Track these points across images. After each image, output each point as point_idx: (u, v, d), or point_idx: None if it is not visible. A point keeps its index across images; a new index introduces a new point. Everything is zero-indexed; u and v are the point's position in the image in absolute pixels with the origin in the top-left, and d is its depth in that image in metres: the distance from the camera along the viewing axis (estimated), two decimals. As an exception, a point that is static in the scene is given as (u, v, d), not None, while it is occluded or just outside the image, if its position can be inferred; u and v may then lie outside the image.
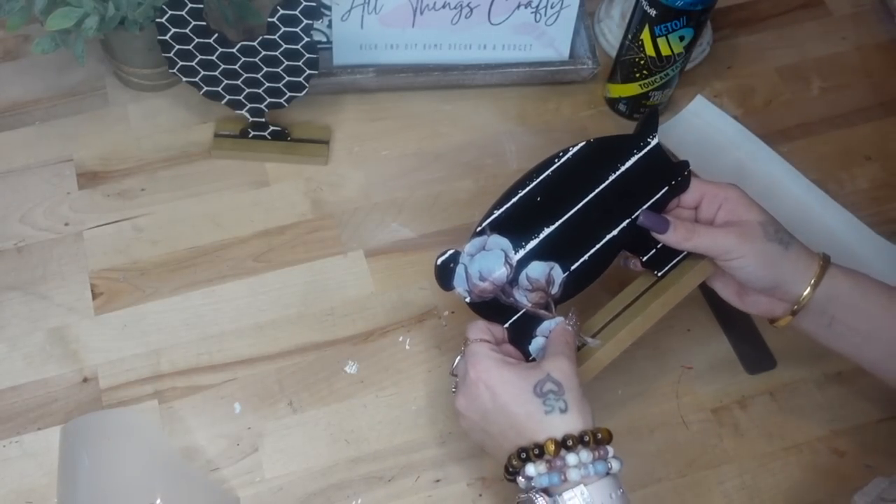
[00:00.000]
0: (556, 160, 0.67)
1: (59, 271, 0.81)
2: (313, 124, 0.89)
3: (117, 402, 0.75)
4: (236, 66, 0.80)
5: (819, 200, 0.86)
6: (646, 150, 0.67)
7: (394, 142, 0.89)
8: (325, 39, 0.88)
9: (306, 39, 0.78)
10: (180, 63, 0.80)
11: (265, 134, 0.86)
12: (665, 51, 0.83)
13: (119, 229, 0.83)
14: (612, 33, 0.94)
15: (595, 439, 0.58)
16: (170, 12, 0.76)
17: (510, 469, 0.61)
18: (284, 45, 0.78)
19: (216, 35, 0.78)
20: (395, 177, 0.87)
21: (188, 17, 0.76)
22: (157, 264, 0.82)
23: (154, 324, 0.79)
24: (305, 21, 0.77)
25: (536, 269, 0.66)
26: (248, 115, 0.84)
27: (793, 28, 0.99)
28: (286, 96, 0.83)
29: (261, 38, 0.78)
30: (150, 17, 0.78)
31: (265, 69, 0.80)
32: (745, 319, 0.80)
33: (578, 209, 0.66)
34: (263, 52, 0.79)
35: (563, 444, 0.58)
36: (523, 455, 0.59)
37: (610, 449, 0.59)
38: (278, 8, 0.76)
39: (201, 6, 0.76)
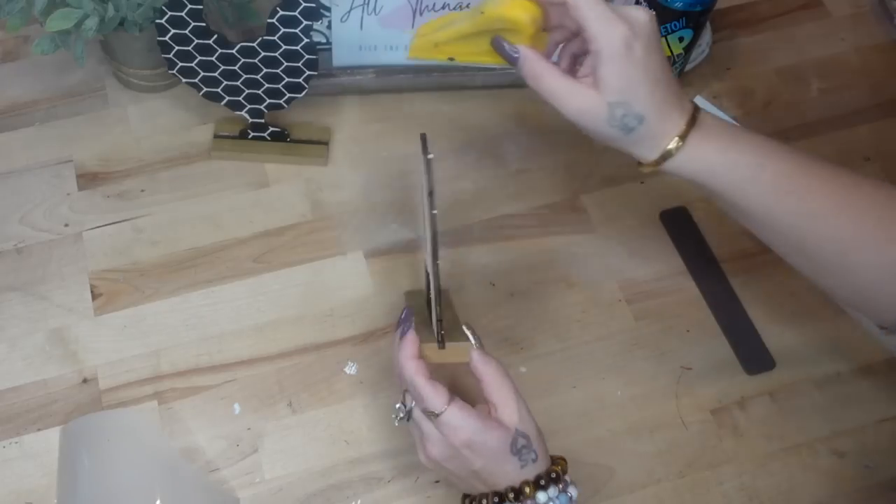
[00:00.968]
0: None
1: (59, 272, 0.81)
2: (313, 125, 0.89)
3: (117, 402, 0.75)
4: (236, 68, 0.80)
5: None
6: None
7: (393, 143, 0.89)
8: (324, 40, 0.88)
9: (306, 40, 0.78)
10: (180, 64, 0.80)
11: (265, 135, 0.87)
12: (664, 52, 0.83)
13: (119, 230, 0.83)
14: (611, 34, 0.94)
15: (559, 475, 0.62)
16: (169, 13, 0.76)
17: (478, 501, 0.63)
18: (284, 47, 0.78)
19: (216, 36, 0.78)
20: (394, 178, 0.87)
21: (188, 19, 0.76)
22: (156, 265, 0.82)
23: (154, 325, 0.79)
24: (305, 22, 0.77)
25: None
26: (247, 116, 0.85)
27: (792, 29, 0.99)
28: (286, 97, 0.83)
29: (260, 39, 0.78)
30: (149, 18, 0.78)
31: (265, 70, 0.80)
32: (745, 320, 0.80)
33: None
34: (263, 54, 0.79)
35: (537, 485, 0.61)
36: (496, 500, 0.61)
37: (567, 478, 0.62)
38: (278, 9, 0.76)
39: (201, 7, 0.76)
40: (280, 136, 0.87)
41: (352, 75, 0.88)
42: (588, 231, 0.85)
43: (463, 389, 0.65)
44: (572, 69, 0.66)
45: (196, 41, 0.78)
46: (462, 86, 0.91)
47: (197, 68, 0.80)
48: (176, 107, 0.90)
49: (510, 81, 0.91)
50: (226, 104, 0.83)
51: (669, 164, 0.61)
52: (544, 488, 0.61)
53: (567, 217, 0.86)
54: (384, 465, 0.73)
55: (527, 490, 0.61)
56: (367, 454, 0.74)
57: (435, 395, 0.61)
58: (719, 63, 0.96)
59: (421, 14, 0.86)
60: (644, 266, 0.83)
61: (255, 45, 0.78)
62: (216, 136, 0.87)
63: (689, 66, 0.90)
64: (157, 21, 0.77)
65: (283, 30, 0.77)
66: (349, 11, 0.85)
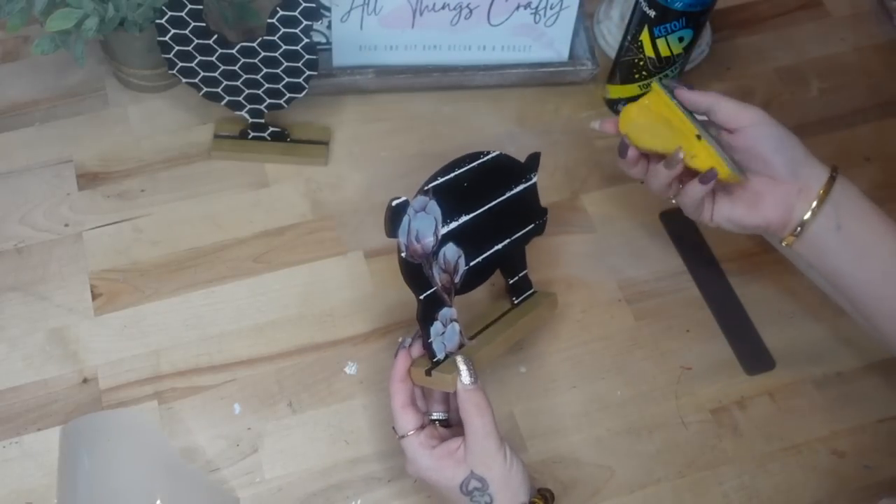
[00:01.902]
0: (483, 156, 0.68)
1: (59, 272, 0.81)
2: (313, 125, 0.89)
3: (117, 402, 0.75)
4: (236, 68, 0.80)
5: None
6: (527, 184, 0.72)
7: (393, 143, 0.89)
8: (324, 40, 0.88)
9: (306, 40, 0.78)
10: (180, 64, 0.80)
11: (265, 135, 0.87)
12: (664, 52, 0.83)
13: (119, 230, 0.83)
14: (611, 34, 0.94)
15: None
16: (169, 13, 0.76)
17: None
18: (284, 47, 0.78)
19: (216, 36, 0.78)
20: (394, 178, 0.87)
21: (188, 19, 0.76)
22: (156, 265, 0.82)
23: (154, 324, 0.79)
24: (305, 22, 0.77)
25: (451, 251, 0.67)
26: (247, 116, 0.85)
27: (792, 29, 0.99)
28: (286, 97, 0.83)
29: (260, 39, 0.78)
30: (149, 18, 0.79)
31: (265, 70, 0.80)
32: (745, 320, 0.80)
33: (481, 212, 0.68)
34: (263, 54, 0.79)
35: None
36: None
37: None
38: (278, 9, 0.76)
39: (201, 7, 0.76)
40: (280, 136, 0.87)
41: (352, 75, 0.88)
42: (588, 231, 0.85)
43: None
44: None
45: (196, 41, 0.78)
46: (462, 86, 0.91)
47: (197, 68, 0.80)
48: (176, 107, 0.90)
49: (510, 81, 0.91)
50: (226, 104, 0.83)
51: (836, 189, 0.67)
52: None
53: (567, 217, 0.86)
54: (384, 465, 0.73)
55: None
56: (366, 454, 0.74)
57: (402, 421, 0.65)
58: (719, 63, 0.96)
59: (421, 14, 0.86)
60: (644, 266, 0.83)
61: (255, 45, 0.78)
62: (216, 136, 0.87)
63: (689, 66, 0.90)
64: (157, 21, 0.77)
65: (283, 30, 0.77)
66: (349, 11, 0.85)
